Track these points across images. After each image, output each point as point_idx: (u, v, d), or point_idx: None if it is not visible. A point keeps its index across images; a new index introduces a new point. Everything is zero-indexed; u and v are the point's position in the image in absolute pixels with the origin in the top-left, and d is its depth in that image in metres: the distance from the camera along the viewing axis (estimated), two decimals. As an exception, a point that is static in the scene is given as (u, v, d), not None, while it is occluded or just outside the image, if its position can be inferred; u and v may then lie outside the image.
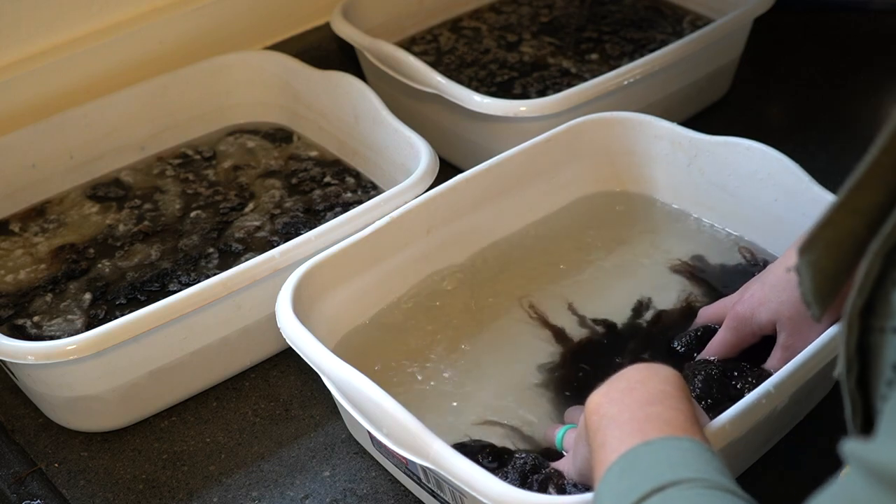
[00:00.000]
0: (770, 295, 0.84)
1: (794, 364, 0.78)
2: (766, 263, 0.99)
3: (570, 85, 1.19)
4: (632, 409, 0.66)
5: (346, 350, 0.93)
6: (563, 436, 0.83)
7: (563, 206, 1.07)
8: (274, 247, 0.96)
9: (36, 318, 1.01)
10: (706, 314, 0.92)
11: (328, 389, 0.83)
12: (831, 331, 0.80)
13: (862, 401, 0.53)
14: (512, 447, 0.85)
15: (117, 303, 1.02)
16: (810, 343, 0.80)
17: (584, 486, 0.76)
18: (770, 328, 0.85)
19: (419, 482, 0.84)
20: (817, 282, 0.55)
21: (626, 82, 1.13)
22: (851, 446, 0.47)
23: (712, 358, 0.87)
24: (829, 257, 0.54)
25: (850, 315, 0.52)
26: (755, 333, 0.86)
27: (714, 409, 0.80)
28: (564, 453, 0.82)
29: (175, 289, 1.02)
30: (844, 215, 0.53)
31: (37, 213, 1.15)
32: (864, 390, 0.53)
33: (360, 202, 1.03)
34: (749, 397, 0.76)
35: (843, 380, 0.54)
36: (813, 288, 0.55)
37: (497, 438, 0.86)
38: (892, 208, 0.51)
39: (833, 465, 0.56)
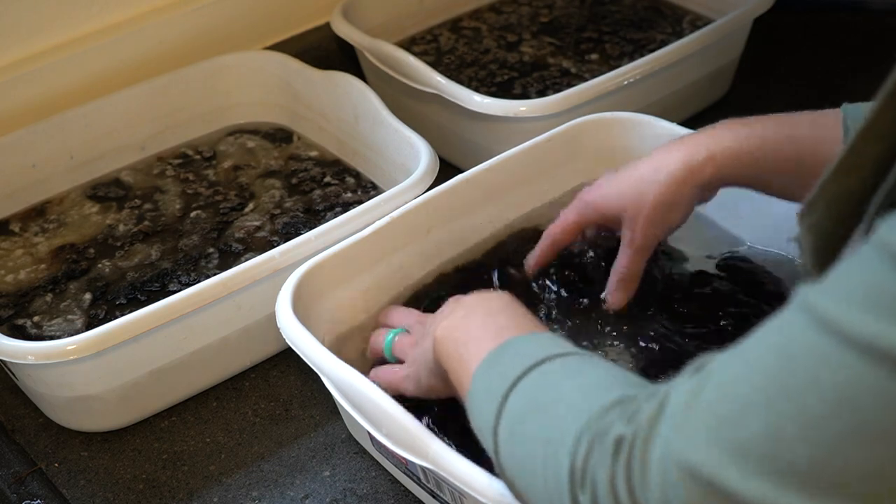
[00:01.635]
0: (620, 187, 0.87)
1: None
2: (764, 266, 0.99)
3: (570, 85, 1.19)
4: (477, 326, 0.70)
5: (346, 350, 0.93)
6: (391, 342, 0.85)
7: (563, 206, 1.07)
8: (274, 247, 0.96)
9: (36, 318, 1.01)
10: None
11: (328, 389, 0.83)
12: None
13: None
14: None
15: (117, 303, 1.02)
16: (650, 244, 0.87)
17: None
18: (613, 220, 0.88)
19: (419, 482, 0.84)
20: (818, 244, 0.55)
21: (626, 82, 1.13)
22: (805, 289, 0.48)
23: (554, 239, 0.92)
24: (830, 217, 0.54)
25: None
26: (597, 220, 0.90)
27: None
28: (392, 360, 0.85)
29: (175, 289, 1.02)
30: (845, 173, 0.53)
31: (37, 213, 1.15)
32: None
33: (360, 202, 1.03)
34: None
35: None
36: (813, 252, 0.55)
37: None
38: (893, 164, 0.51)
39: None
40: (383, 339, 0.86)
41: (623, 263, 0.89)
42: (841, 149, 0.52)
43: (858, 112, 0.84)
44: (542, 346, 0.65)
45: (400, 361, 0.84)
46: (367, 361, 0.91)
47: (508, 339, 0.67)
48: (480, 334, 0.69)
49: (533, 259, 0.95)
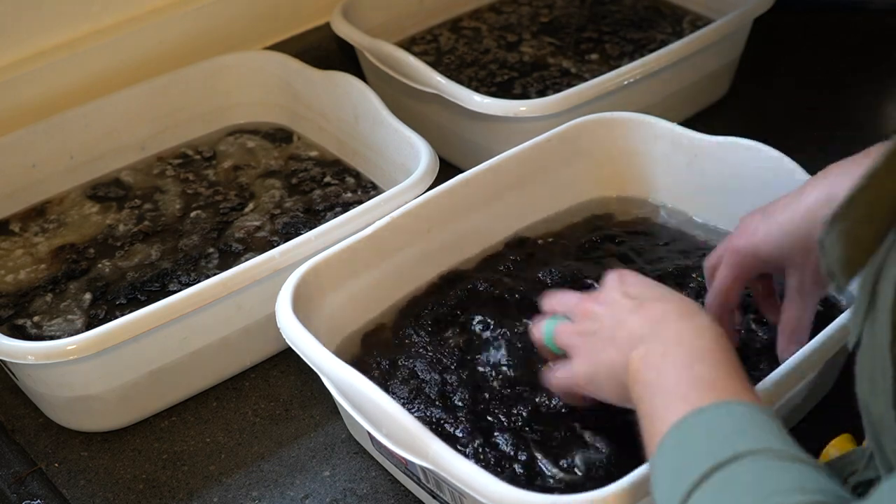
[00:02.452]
0: (780, 231, 0.77)
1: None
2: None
3: (570, 85, 1.19)
4: (672, 374, 0.65)
5: (346, 350, 0.93)
6: (552, 332, 0.79)
7: (563, 206, 1.07)
8: (274, 247, 0.96)
9: (36, 318, 1.01)
10: (708, 263, 0.85)
11: (328, 389, 0.83)
12: (834, 326, 0.80)
13: None
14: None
15: (117, 303, 1.02)
16: (823, 290, 0.77)
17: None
18: (774, 265, 0.79)
19: (419, 482, 0.84)
20: (848, 251, 0.53)
21: (626, 82, 1.13)
22: None
23: (713, 300, 0.82)
24: (864, 223, 0.53)
25: None
26: (756, 269, 0.80)
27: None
28: (554, 350, 0.79)
29: (175, 289, 1.02)
30: (881, 179, 0.51)
31: (37, 213, 1.15)
32: None
33: (360, 202, 1.03)
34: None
35: (884, 346, 0.52)
36: (842, 258, 0.54)
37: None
38: None
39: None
40: (543, 328, 0.80)
41: (793, 315, 0.80)
42: (878, 155, 0.51)
43: None
44: (736, 428, 0.60)
45: (562, 352, 0.78)
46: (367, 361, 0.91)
47: (703, 409, 0.61)
48: (672, 386, 0.64)
49: None
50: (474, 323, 0.92)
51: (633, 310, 0.72)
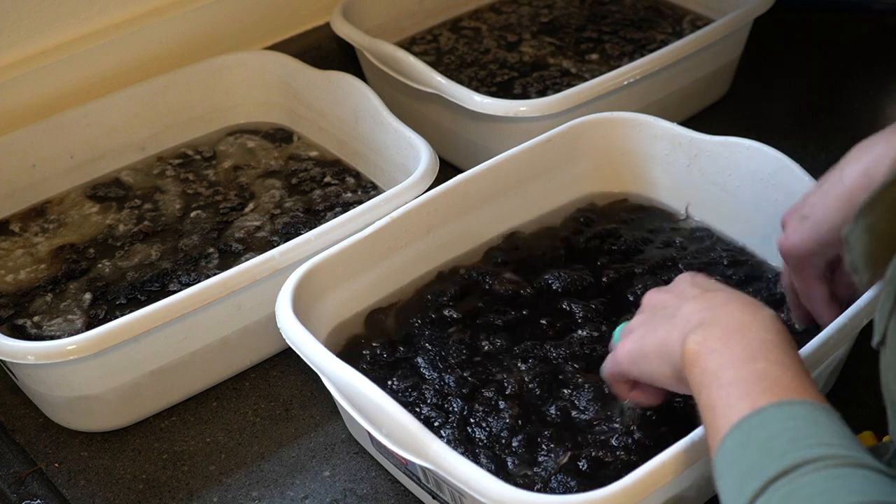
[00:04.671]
0: (825, 209, 0.76)
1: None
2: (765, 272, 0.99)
3: (570, 85, 1.19)
4: (735, 365, 0.63)
5: (346, 349, 0.93)
6: (618, 332, 0.78)
7: (563, 207, 1.07)
8: (274, 247, 0.96)
9: (36, 318, 1.01)
10: (784, 282, 0.85)
11: (328, 389, 0.83)
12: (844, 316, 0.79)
13: None
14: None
15: (117, 303, 1.02)
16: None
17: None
18: (836, 250, 0.77)
19: (419, 482, 0.84)
20: (873, 246, 0.53)
21: (626, 82, 1.13)
22: None
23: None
24: (890, 219, 0.52)
25: None
26: (821, 260, 0.79)
27: None
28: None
29: (175, 289, 1.02)
30: None
31: (37, 213, 1.15)
32: None
33: (360, 202, 1.03)
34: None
35: None
36: (866, 253, 0.53)
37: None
38: None
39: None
40: (614, 335, 0.79)
41: (839, 293, 0.81)
42: None
43: None
44: (799, 433, 0.58)
45: None
46: (367, 360, 0.91)
47: (764, 409, 0.60)
48: (734, 379, 0.62)
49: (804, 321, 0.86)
50: (476, 320, 0.93)
51: (697, 296, 0.71)
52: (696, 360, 0.65)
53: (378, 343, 0.92)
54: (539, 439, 0.82)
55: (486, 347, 0.90)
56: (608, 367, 0.77)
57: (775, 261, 0.97)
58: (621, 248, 1.01)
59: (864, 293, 0.79)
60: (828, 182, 0.77)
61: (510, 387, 0.86)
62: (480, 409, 0.85)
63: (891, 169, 0.52)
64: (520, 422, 0.84)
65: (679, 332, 0.68)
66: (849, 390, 0.91)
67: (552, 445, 0.81)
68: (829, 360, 0.80)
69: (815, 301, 0.83)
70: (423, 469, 0.79)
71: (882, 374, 0.57)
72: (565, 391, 0.86)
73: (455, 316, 0.94)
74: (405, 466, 0.84)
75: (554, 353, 0.89)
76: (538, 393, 0.86)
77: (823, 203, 0.77)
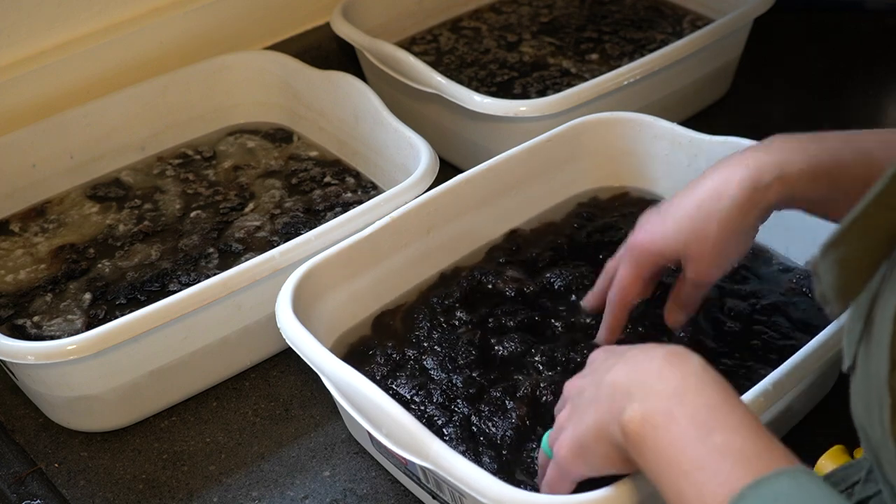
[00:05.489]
0: (677, 228, 0.78)
1: (794, 360, 0.78)
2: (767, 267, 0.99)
3: (570, 85, 1.19)
4: (690, 445, 0.59)
5: (346, 349, 0.93)
6: (546, 440, 0.73)
7: (564, 207, 1.07)
8: (274, 247, 0.96)
9: (36, 318, 1.01)
10: (609, 265, 0.85)
11: (328, 389, 0.83)
12: (831, 328, 0.80)
13: None
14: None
15: (117, 303, 1.02)
16: (714, 278, 0.79)
17: None
18: (673, 260, 0.79)
19: (419, 482, 0.84)
20: (843, 279, 0.52)
21: (626, 82, 1.13)
22: None
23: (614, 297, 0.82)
24: (859, 253, 0.52)
25: None
26: (656, 263, 0.80)
27: None
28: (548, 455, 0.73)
29: (175, 289, 1.02)
30: (880, 209, 0.50)
31: (37, 213, 1.15)
32: None
33: (360, 202, 1.03)
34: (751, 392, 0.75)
35: (882, 378, 0.51)
36: (837, 285, 0.53)
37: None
38: None
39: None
40: (542, 442, 0.75)
41: (685, 295, 0.82)
42: (878, 182, 0.50)
43: None
44: None
45: None
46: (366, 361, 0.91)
47: (744, 493, 0.55)
48: (697, 463, 0.58)
49: (606, 331, 0.85)
50: (477, 317, 0.93)
51: (615, 364, 0.67)
52: (642, 442, 0.61)
53: (383, 344, 0.92)
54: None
55: (502, 352, 0.90)
56: (551, 479, 0.71)
57: (775, 259, 0.98)
58: (622, 240, 1.00)
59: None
60: (684, 191, 0.79)
61: (523, 388, 0.86)
62: (486, 409, 0.85)
63: (862, 201, 0.51)
64: (527, 422, 0.83)
65: (610, 408, 0.64)
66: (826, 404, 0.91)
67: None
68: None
69: (620, 299, 0.82)
70: (423, 469, 0.79)
71: (851, 400, 0.56)
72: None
73: (463, 318, 0.93)
74: (405, 466, 0.84)
75: (565, 357, 0.88)
76: (551, 399, 0.85)
77: (679, 206, 0.78)
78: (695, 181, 0.78)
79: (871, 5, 1.43)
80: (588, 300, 0.89)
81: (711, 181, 0.76)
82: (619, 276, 0.82)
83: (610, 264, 0.85)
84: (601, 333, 0.86)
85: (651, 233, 0.80)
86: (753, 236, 0.78)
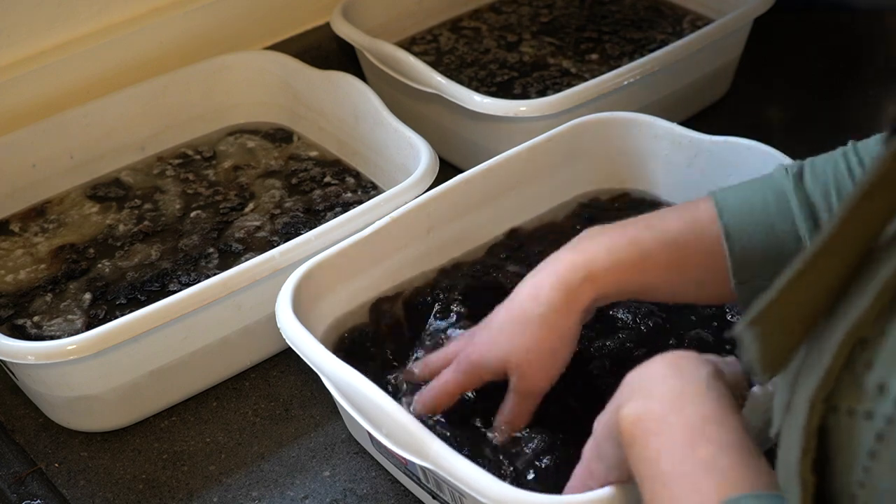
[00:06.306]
0: (498, 338, 0.78)
1: None
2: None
3: (570, 85, 1.19)
4: (675, 454, 0.59)
5: (346, 350, 0.93)
6: None
7: (564, 207, 1.07)
8: (274, 247, 0.96)
9: (36, 318, 1.01)
10: (431, 361, 0.84)
11: (328, 389, 0.83)
12: None
13: (816, 484, 0.50)
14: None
15: (117, 303, 1.02)
16: (541, 388, 0.78)
17: None
18: (500, 372, 0.78)
19: (419, 482, 0.84)
20: (766, 354, 0.52)
21: (626, 82, 1.13)
22: None
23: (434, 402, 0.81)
24: (781, 331, 0.51)
25: (813, 400, 0.49)
26: (483, 378, 0.80)
27: None
28: None
29: (175, 289, 1.02)
30: (801, 288, 0.50)
31: (37, 213, 1.15)
32: (819, 473, 0.50)
33: (360, 202, 1.03)
34: None
35: (792, 462, 0.50)
36: (762, 359, 0.52)
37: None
38: (852, 282, 0.49)
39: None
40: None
41: (510, 410, 0.79)
42: (796, 262, 0.49)
43: (731, 203, 0.77)
44: None
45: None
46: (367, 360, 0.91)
47: None
48: (677, 473, 0.58)
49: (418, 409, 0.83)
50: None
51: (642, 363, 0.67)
52: (633, 442, 0.62)
53: (383, 343, 0.92)
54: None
55: None
56: (575, 483, 0.72)
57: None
58: None
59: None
60: (507, 300, 0.79)
61: None
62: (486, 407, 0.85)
63: (779, 280, 0.50)
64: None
65: (617, 404, 0.65)
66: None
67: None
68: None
69: (438, 403, 0.81)
70: (423, 469, 0.79)
71: (777, 465, 0.55)
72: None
73: (463, 311, 0.93)
74: (405, 466, 0.84)
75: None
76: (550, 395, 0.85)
77: (500, 316, 0.78)
78: (514, 291, 0.78)
79: (870, 5, 1.43)
80: (410, 373, 0.86)
81: (527, 287, 0.77)
82: (448, 381, 0.80)
83: (431, 361, 0.84)
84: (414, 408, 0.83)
85: (479, 345, 0.79)
86: (576, 339, 0.77)
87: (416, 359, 0.87)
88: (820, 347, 0.49)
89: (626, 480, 0.67)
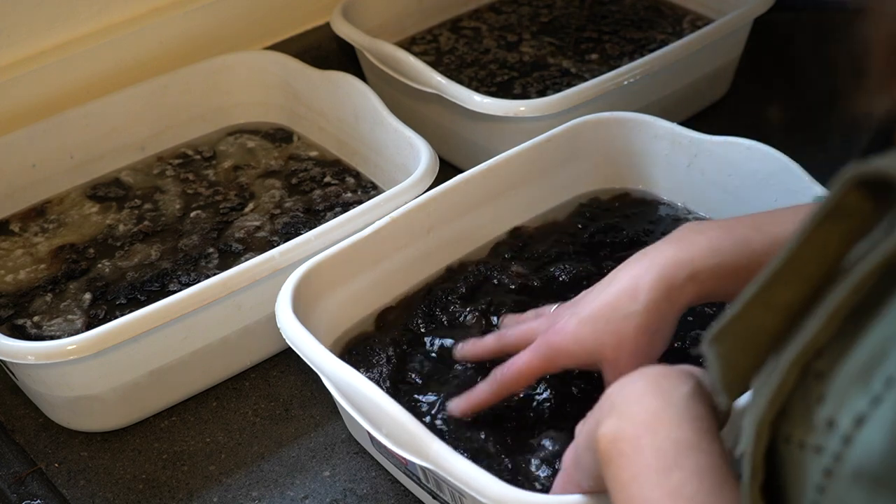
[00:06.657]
0: (584, 329, 0.75)
1: None
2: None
3: (570, 85, 1.19)
4: (648, 479, 0.58)
5: (346, 350, 0.93)
6: None
7: (565, 207, 1.07)
8: (274, 247, 0.96)
9: (36, 318, 1.01)
10: (513, 334, 0.82)
11: (328, 389, 0.83)
12: None
13: None
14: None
15: (117, 303, 1.02)
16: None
17: None
18: (584, 363, 0.77)
19: (419, 482, 0.84)
20: (726, 374, 0.51)
21: (626, 82, 1.13)
22: None
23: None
24: (740, 351, 0.50)
25: (760, 424, 0.48)
26: (561, 366, 0.78)
27: None
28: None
29: (175, 289, 1.02)
30: (758, 310, 0.49)
31: (37, 213, 1.15)
32: (774, 500, 0.49)
33: (360, 202, 1.03)
34: None
35: (745, 485, 0.50)
36: (722, 379, 0.51)
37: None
38: (810, 306, 0.48)
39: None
40: None
41: None
42: (753, 283, 0.48)
43: None
44: None
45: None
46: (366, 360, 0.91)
47: None
48: (646, 492, 0.57)
49: (470, 403, 0.81)
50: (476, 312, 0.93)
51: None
52: (608, 462, 0.60)
53: (384, 343, 0.92)
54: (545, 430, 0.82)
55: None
56: (556, 488, 0.72)
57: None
58: (623, 240, 1.01)
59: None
60: (598, 288, 0.77)
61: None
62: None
63: (738, 300, 0.49)
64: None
65: (597, 417, 0.63)
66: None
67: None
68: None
69: (510, 384, 0.79)
70: (423, 469, 0.79)
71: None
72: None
73: (466, 312, 0.93)
74: (405, 466, 0.84)
75: None
76: (552, 395, 0.85)
77: (592, 306, 0.76)
78: (606, 280, 0.76)
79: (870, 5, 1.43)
80: (465, 350, 0.85)
81: (625, 280, 0.74)
82: (523, 362, 0.78)
83: (509, 334, 0.82)
84: (461, 401, 0.82)
85: (563, 333, 0.76)
86: (671, 335, 0.75)
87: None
88: (774, 371, 0.49)
89: (603, 491, 0.65)
